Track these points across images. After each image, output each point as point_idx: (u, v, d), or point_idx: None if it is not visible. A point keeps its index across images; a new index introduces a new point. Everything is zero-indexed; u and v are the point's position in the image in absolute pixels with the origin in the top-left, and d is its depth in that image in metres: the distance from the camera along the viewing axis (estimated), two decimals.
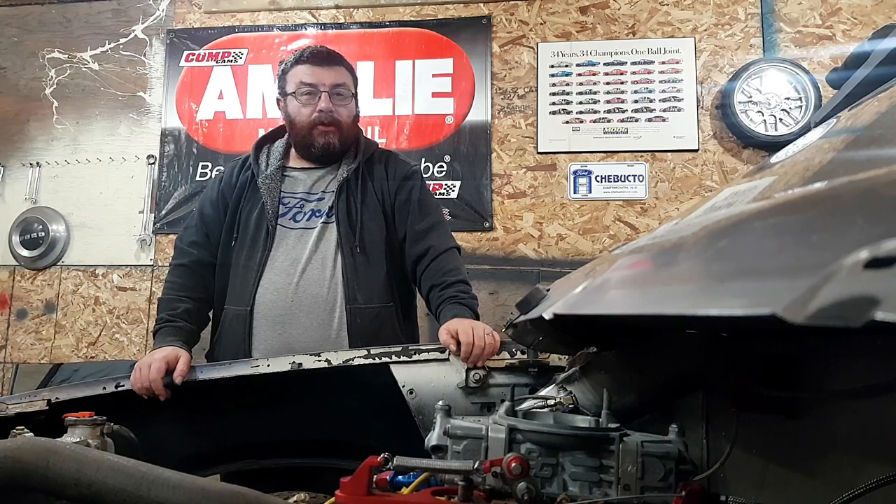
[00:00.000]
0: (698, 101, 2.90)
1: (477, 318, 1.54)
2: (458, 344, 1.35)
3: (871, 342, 0.66)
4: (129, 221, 3.19)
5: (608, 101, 2.96)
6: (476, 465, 0.79)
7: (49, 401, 1.32)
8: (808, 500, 0.75)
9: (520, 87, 3.03)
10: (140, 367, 1.41)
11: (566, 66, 3.00)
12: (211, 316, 1.76)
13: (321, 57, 1.73)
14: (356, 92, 1.78)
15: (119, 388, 1.39)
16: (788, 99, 2.81)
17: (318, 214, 1.71)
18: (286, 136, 1.82)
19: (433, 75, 3.07)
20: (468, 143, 3.01)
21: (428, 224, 1.73)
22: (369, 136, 2.01)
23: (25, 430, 1.08)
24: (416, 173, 1.81)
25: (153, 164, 3.21)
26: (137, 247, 3.16)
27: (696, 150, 2.88)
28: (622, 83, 2.96)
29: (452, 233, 1.81)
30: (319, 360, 1.39)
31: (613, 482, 0.84)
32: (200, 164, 3.17)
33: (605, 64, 2.98)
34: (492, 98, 3.03)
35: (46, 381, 2.93)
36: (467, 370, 1.35)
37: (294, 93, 1.72)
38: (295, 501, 1.18)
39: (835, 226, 0.39)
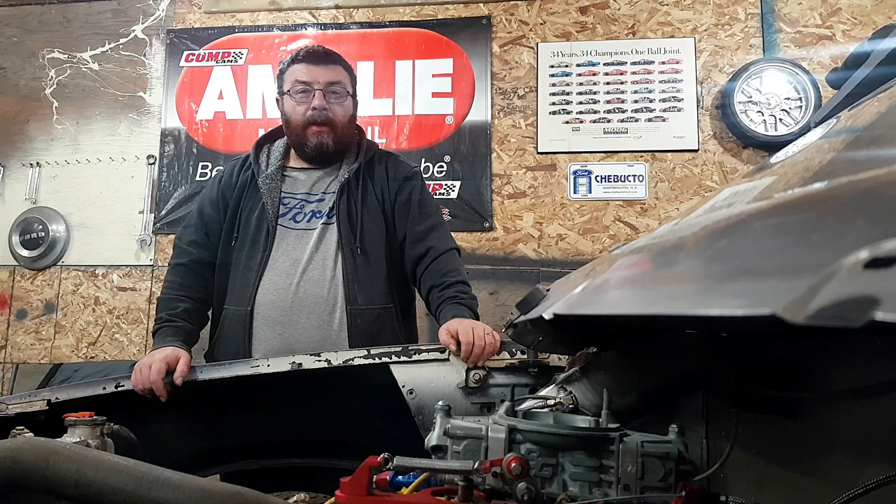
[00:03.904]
0: (698, 101, 2.90)
1: (477, 318, 1.54)
2: (458, 344, 1.35)
3: (871, 342, 0.66)
4: (129, 221, 3.19)
5: (608, 102, 2.96)
6: (476, 465, 0.79)
7: (49, 401, 1.32)
8: (808, 500, 0.75)
9: (520, 87, 3.03)
10: (140, 367, 1.41)
11: (566, 66, 3.00)
12: (210, 315, 1.76)
13: (317, 55, 1.74)
14: (354, 92, 1.78)
15: (119, 388, 1.39)
16: (788, 99, 2.81)
17: (318, 215, 1.71)
18: (286, 136, 1.82)
19: (433, 75, 3.07)
20: (468, 143, 3.01)
21: (428, 225, 1.73)
22: (369, 137, 2.01)
23: (25, 430, 1.08)
24: (416, 174, 1.81)
25: (153, 164, 3.21)
26: (137, 247, 3.16)
27: (696, 150, 2.88)
28: (622, 83, 2.96)
29: (452, 233, 1.81)
30: (319, 361, 1.39)
31: (613, 482, 0.84)
32: (200, 164, 3.17)
33: (605, 64, 2.98)
34: (492, 98, 3.03)
35: (46, 381, 2.93)
36: (467, 370, 1.36)
37: (289, 91, 1.72)
38: (295, 501, 1.17)
39: (835, 226, 0.39)
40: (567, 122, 2.97)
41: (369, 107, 3.00)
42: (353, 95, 1.78)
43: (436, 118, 3.04)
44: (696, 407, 0.99)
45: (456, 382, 1.36)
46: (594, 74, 2.98)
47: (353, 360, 1.39)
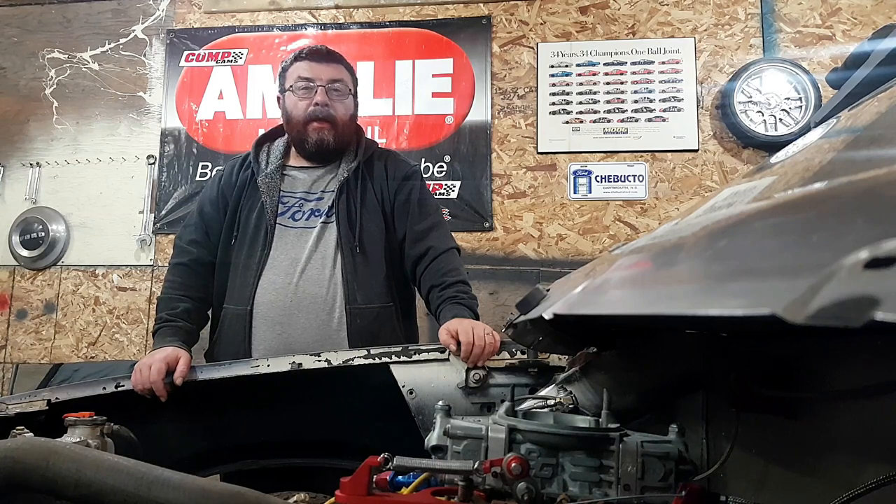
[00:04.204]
0: (698, 101, 2.90)
1: (477, 318, 1.54)
2: (458, 344, 1.35)
3: (871, 342, 0.66)
4: (129, 221, 3.19)
5: (608, 102, 2.96)
6: (476, 465, 0.79)
7: (49, 401, 1.32)
8: (808, 500, 0.75)
9: (520, 87, 3.03)
10: (140, 368, 1.41)
11: (566, 66, 3.00)
12: (210, 315, 1.76)
13: (319, 54, 1.75)
14: (355, 91, 1.79)
15: (119, 388, 1.39)
16: (788, 99, 2.81)
17: (317, 214, 1.71)
18: (286, 135, 1.82)
19: (433, 75, 3.07)
20: (468, 143, 3.01)
21: (428, 225, 1.73)
22: (369, 137, 2.01)
23: (25, 430, 1.08)
24: (416, 173, 1.81)
25: (153, 164, 3.21)
26: (137, 247, 3.16)
27: (696, 150, 2.88)
28: (622, 83, 2.96)
29: (452, 233, 1.81)
30: (319, 360, 1.39)
31: (613, 482, 0.84)
32: (200, 164, 3.17)
33: (605, 64, 2.98)
34: (492, 98, 3.03)
35: (46, 381, 2.93)
36: (467, 370, 1.36)
37: (291, 87, 1.73)
38: (295, 501, 1.17)
39: (835, 226, 0.39)
40: (567, 122, 2.97)
41: (369, 107, 3.00)
42: (354, 95, 1.78)
43: (436, 118, 3.04)
44: (696, 407, 0.99)
45: (456, 382, 1.36)
46: (594, 74, 2.98)
47: (353, 360, 1.39)
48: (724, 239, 0.53)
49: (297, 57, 1.75)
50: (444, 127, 3.03)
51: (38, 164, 3.29)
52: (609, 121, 2.94)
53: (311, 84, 1.71)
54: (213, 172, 3.10)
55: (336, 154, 1.76)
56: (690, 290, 0.46)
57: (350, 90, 1.76)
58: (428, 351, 1.39)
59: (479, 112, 3.02)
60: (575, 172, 2.94)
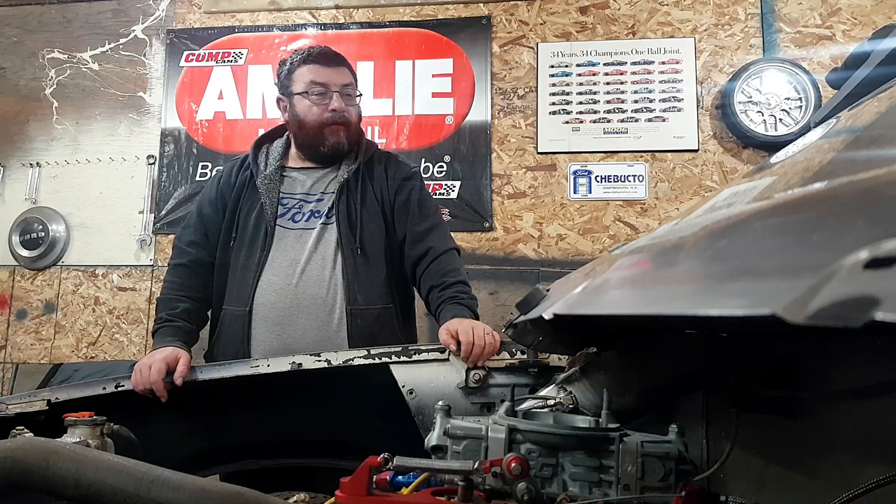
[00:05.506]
0: (698, 101, 2.90)
1: (477, 318, 1.54)
2: (458, 344, 1.35)
3: (871, 342, 0.66)
4: (129, 221, 3.19)
5: (608, 102, 2.96)
6: (476, 466, 0.79)
7: (49, 401, 1.32)
8: (808, 500, 0.75)
9: (520, 87, 3.03)
10: (140, 368, 1.41)
11: (566, 66, 3.00)
12: (209, 315, 1.76)
13: (329, 57, 1.74)
14: (360, 93, 1.80)
15: (119, 388, 1.39)
16: (788, 99, 2.81)
17: (317, 215, 1.71)
18: (285, 136, 1.82)
19: (433, 75, 3.07)
20: (468, 143, 3.01)
21: (427, 225, 1.73)
22: (369, 137, 2.01)
23: (25, 430, 1.08)
24: (415, 175, 1.81)
25: (153, 164, 3.21)
26: (137, 247, 3.16)
27: (696, 151, 2.88)
28: (622, 83, 2.96)
29: (452, 233, 1.81)
30: (319, 361, 1.39)
31: (613, 482, 0.84)
32: (200, 164, 3.17)
33: (605, 64, 2.98)
34: (492, 98, 3.03)
35: (46, 381, 2.93)
36: (467, 370, 1.36)
37: (305, 93, 1.71)
38: (295, 501, 1.18)
39: (835, 226, 0.39)
40: (567, 122, 2.97)
41: (369, 107, 3.00)
42: (360, 97, 1.79)
43: (436, 118, 3.04)
44: (696, 407, 0.99)
45: (456, 382, 1.36)
46: (594, 74, 2.98)
47: (353, 360, 1.39)
48: (724, 239, 0.53)
49: (306, 59, 1.73)
50: (444, 127, 3.03)
51: (38, 164, 3.29)
52: (609, 121, 2.94)
53: (326, 90, 1.70)
54: (213, 172, 3.10)
55: (345, 155, 1.76)
56: (690, 290, 0.46)
57: (358, 93, 1.77)
58: (428, 351, 1.39)
59: (479, 112, 3.02)
60: (575, 172, 2.94)
